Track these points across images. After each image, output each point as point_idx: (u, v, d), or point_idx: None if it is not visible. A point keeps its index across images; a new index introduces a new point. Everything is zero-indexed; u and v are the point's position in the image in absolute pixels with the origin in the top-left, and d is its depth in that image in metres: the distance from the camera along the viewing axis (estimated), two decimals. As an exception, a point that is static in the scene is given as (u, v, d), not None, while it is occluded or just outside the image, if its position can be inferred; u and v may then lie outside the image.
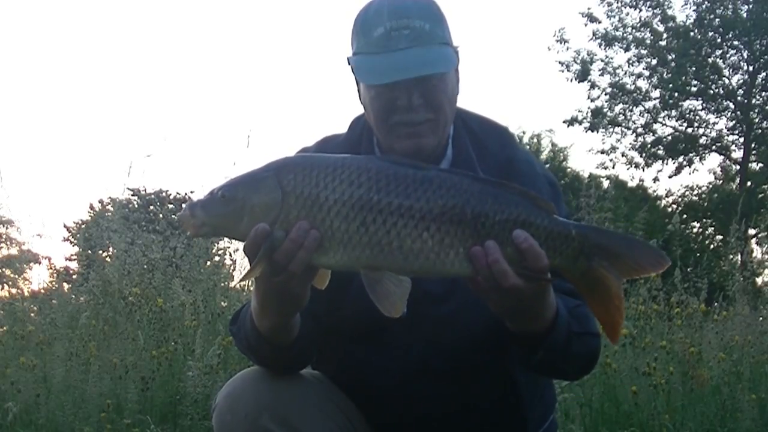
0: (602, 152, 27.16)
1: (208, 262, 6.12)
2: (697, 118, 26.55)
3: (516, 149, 2.01)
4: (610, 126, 26.89)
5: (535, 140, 29.52)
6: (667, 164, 26.70)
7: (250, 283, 6.10)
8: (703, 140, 26.74)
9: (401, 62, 1.78)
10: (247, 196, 1.56)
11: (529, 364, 1.79)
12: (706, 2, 25.65)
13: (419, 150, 1.84)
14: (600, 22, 26.37)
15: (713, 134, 26.71)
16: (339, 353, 1.93)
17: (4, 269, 8.98)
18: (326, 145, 2.02)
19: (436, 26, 1.84)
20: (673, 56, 25.71)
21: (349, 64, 1.88)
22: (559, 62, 26.57)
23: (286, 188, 1.55)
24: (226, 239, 6.67)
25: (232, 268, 6.38)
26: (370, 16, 1.85)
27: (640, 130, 26.96)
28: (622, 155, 26.98)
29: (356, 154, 1.93)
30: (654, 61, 26.31)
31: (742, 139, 26.12)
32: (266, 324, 1.72)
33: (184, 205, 1.61)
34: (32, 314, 6.18)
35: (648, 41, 26.30)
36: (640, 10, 26.31)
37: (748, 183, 25.12)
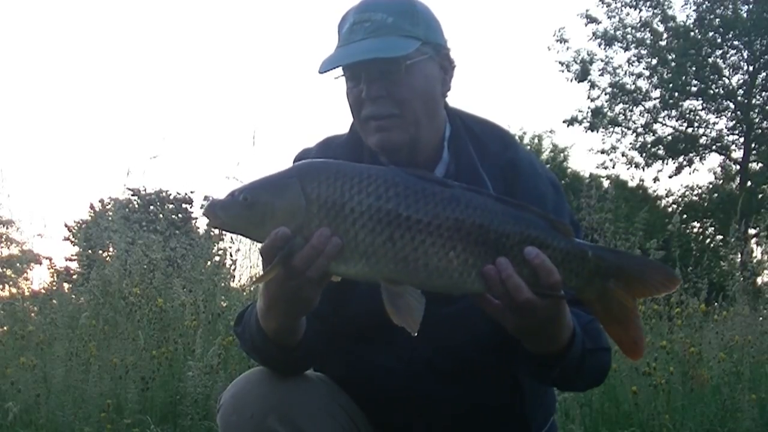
0: (602, 152, 27.20)
1: (209, 263, 6.12)
2: (697, 118, 26.58)
3: (518, 150, 2.00)
4: (610, 126, 26.90)
5: (536, 141, 29.54)
6: (667, 164, 26.74)
7: (250, 285, 6.12)
8: (703, 140, 26.74)
9: (352, 50, 1.80)
10: (269, 201, 1.55)
11: (543, 380, 1.80)
12: (706, 2, 25.66)
13: (389, 145, 1.84)
14: (600, 23, 26.43)
15: (713, 134, 26.74)
16: (343, 353, 1.92)
17: (4, 269, 8.98)
18: (328, 146, 2.02)
19: (402, 20, 1.83)
20: (673, 56, 25.71)
21: (319, 72, 1.88)
22: (559, 62, 26.62)
23: (310, 195, 1.53)
24: (229, 240, 6.69)
25: (232, 268, 6.39)
26: (346, 15, 1.88)
27: (640, 130, 26.97)
28: (623, 155, 27.02)
29: (358, 154, 1.94)
30: (654, 61, 26.31)
31: (742, 139, 26.12)
32: (272, 325, 1.71)
33: (204, 201, 1.60)
34: (32, 314, 6.18)
35: (648, 41, 26.31)
36: (640, 10, 26.35)
37: (748, 183, 25.11)
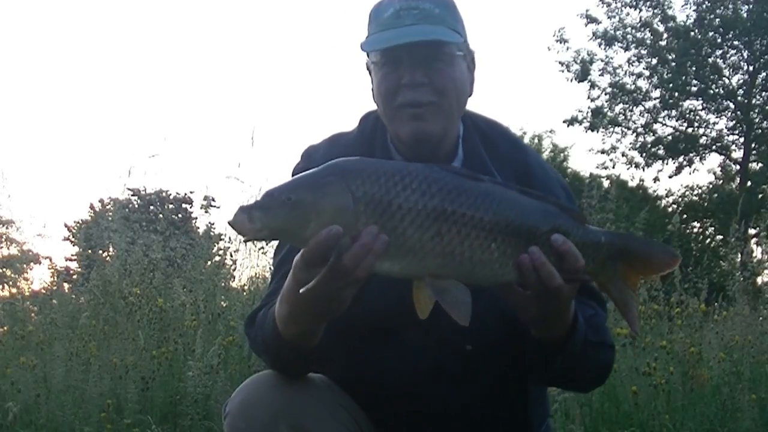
0: (602, 152, 27.17)
1: (209, 263, 6.13)
2: (697, 118, 26.57)
3: (528, 153, 2.02)
4: (610, 126, 26.89)
5: (536, 141, 29.52)
6: (667, 164, 26.72)
7: (250, 285, 6.12)
8: (703, 140, 26.74)
9: (404, 33, 1.81)
10: (315, 201, 1.51)
11: (548, 372, 1.81)
12: (706, 2, 25.66)
13: (424, 136, 1.84)
14: (600, 23, 26.44)
15: (713, 134, 26.73)
16: (349, 353, 1.90)
17: (4, 269, 8.98)
18: (336, 144, 2.00)
19: (447, 13, 1.86)
20: (673, 56, 25.71)
21: (362, 49, 1.89)
22: (559, 62, 26.60)
23: (356, 194, 1.51)
24: (228, 240, 6.68)
25: (232, 268, 6.39)
26: (383, 4, 1.89)
27: (640, 130, 26.97)
28: (623, 155, 27.00)
29: (368, 151, 1.92)
30: (654, 61, 26.32)
31: (742, 139, 26.12)
32: (294, 330, 1.68)
33: (236, 209, 1.51)
34: (32, 314, 6.20)
35: (648, 41, 26.31)
36: (640, 10, 26.35)
37: (748, 183, 25.10)
